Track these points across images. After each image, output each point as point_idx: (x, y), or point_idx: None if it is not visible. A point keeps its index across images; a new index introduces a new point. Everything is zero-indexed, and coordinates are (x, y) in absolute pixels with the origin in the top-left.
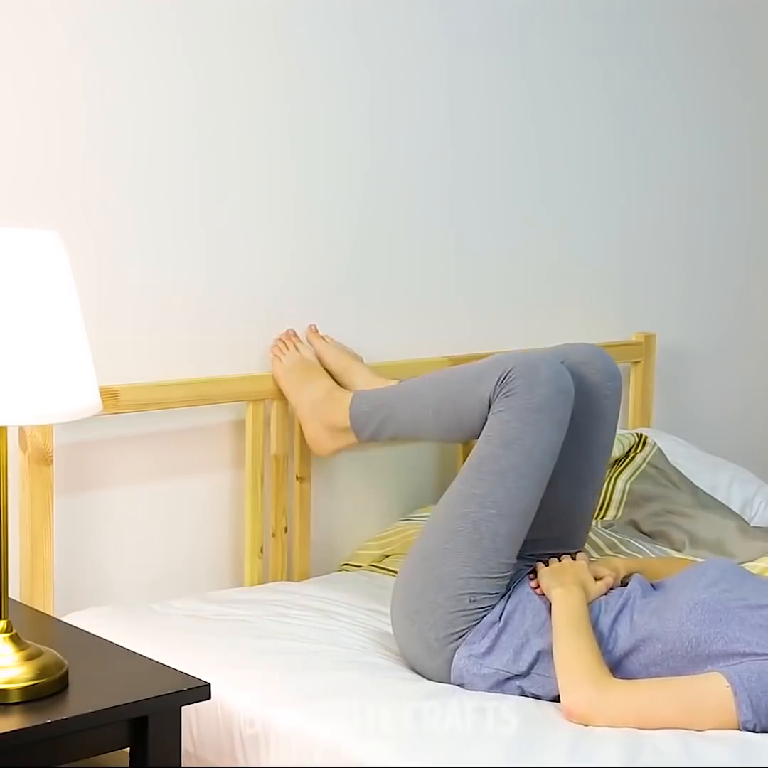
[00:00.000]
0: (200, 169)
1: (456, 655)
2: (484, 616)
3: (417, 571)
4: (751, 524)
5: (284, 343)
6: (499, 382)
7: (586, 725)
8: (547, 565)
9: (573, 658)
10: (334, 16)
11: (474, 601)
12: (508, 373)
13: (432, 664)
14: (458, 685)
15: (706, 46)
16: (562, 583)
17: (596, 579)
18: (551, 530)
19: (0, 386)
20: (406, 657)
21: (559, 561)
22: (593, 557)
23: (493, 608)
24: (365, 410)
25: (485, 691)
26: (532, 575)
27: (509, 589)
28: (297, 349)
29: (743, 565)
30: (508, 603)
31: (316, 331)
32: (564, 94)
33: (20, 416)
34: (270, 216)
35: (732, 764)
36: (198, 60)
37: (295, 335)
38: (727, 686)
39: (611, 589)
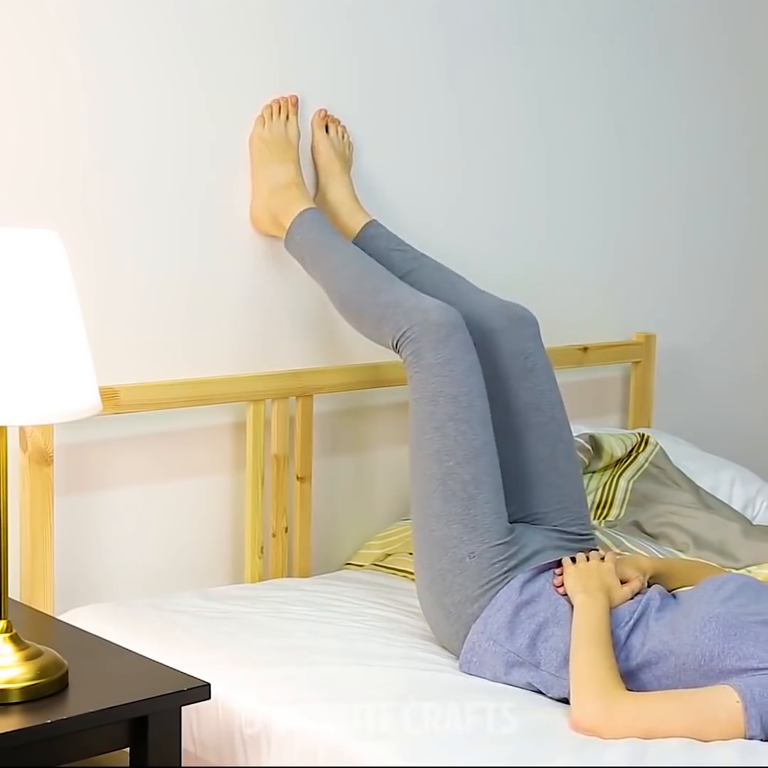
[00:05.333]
0: (201, 170)
1: (472, 629)
2: (497, 582)
3: (418, 545)
4: (753, 523)
5: (279, 109)
6: (403, 336)
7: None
8: (574, 561)
9: (587, 671)
10: (332, 14)
11: (474, 556)
12: (409, 329)
13: (450, 630)
14: (466, 661)
15: (707, 46)
16: (587, 589)
17: (622, 581)
18: (513, 497)
19: (0, 386)
20: (429, 623)
21: (588, 560)
22: (619, 554)
23: (503, 566)
24: (297, 240)
25: (492, 674)
26: (558, 571)
27: (513, 537)
28: (286, 124)
29: (748, 568)
30: (533, 583)
31: (325, 117)
32: (565, 95)
33: (20, 416)
34: None
35: (736, 764)
36: (200, 60)
37: (294, 106)
38: (738, 702)
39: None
